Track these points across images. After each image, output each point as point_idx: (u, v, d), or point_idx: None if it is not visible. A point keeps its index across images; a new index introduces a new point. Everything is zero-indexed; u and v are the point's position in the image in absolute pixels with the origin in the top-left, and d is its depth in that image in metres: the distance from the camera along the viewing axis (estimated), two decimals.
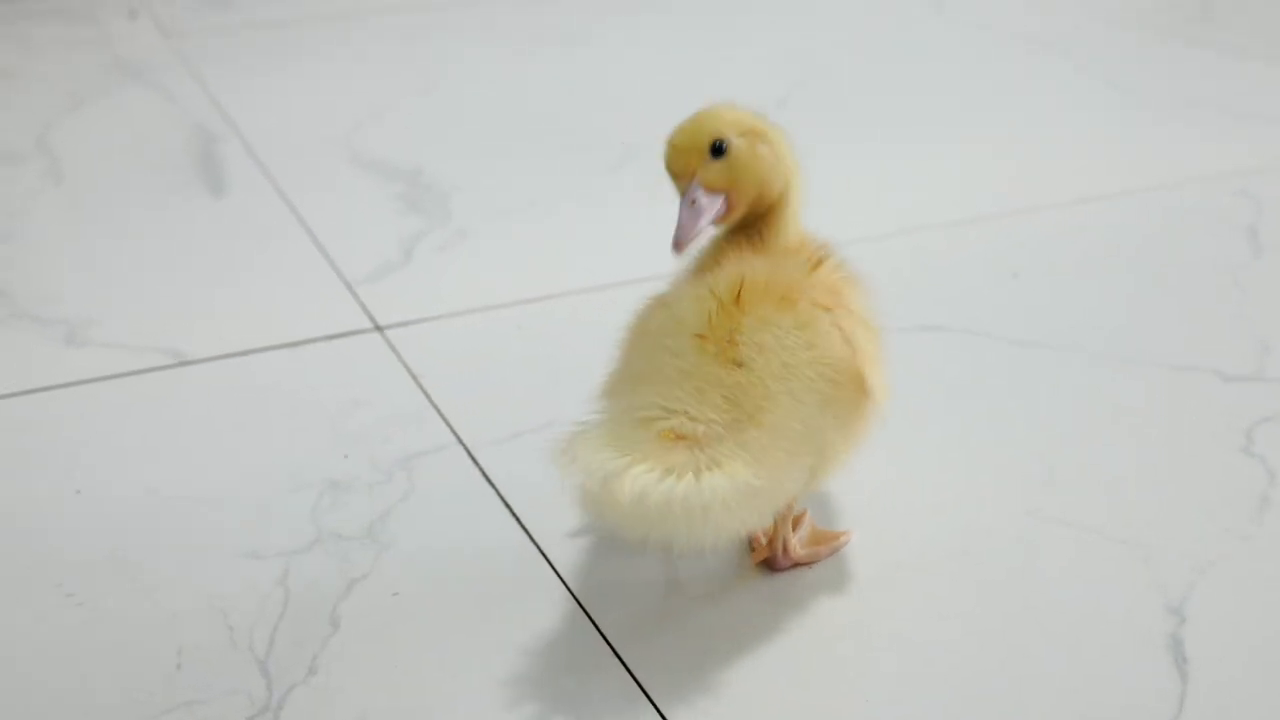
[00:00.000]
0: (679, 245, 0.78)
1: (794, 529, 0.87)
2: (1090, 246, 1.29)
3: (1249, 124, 1.56)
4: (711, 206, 0.79)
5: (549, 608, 0.84)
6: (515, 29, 1.91)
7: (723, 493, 0.71)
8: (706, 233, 0.81)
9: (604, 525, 0.79)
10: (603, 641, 0.81)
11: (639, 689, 0.77)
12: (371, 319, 1.17)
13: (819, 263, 0.81)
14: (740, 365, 0.75)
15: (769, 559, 0.86)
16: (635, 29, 1.92)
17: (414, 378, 1.08)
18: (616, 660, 0.79)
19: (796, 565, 0.86)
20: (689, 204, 0.79)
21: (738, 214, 0.80)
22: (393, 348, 1.12)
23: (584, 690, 0.77)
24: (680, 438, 0.73)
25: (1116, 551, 0.88)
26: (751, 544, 0.88)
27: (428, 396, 1.05)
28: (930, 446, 0.99)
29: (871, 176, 1.44)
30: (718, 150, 0.79)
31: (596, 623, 0.82)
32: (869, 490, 0.93)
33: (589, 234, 1.32)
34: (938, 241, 1.30)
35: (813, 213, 0.84)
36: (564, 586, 0.85)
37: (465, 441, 0.99)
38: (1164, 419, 1.02)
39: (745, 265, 0.79)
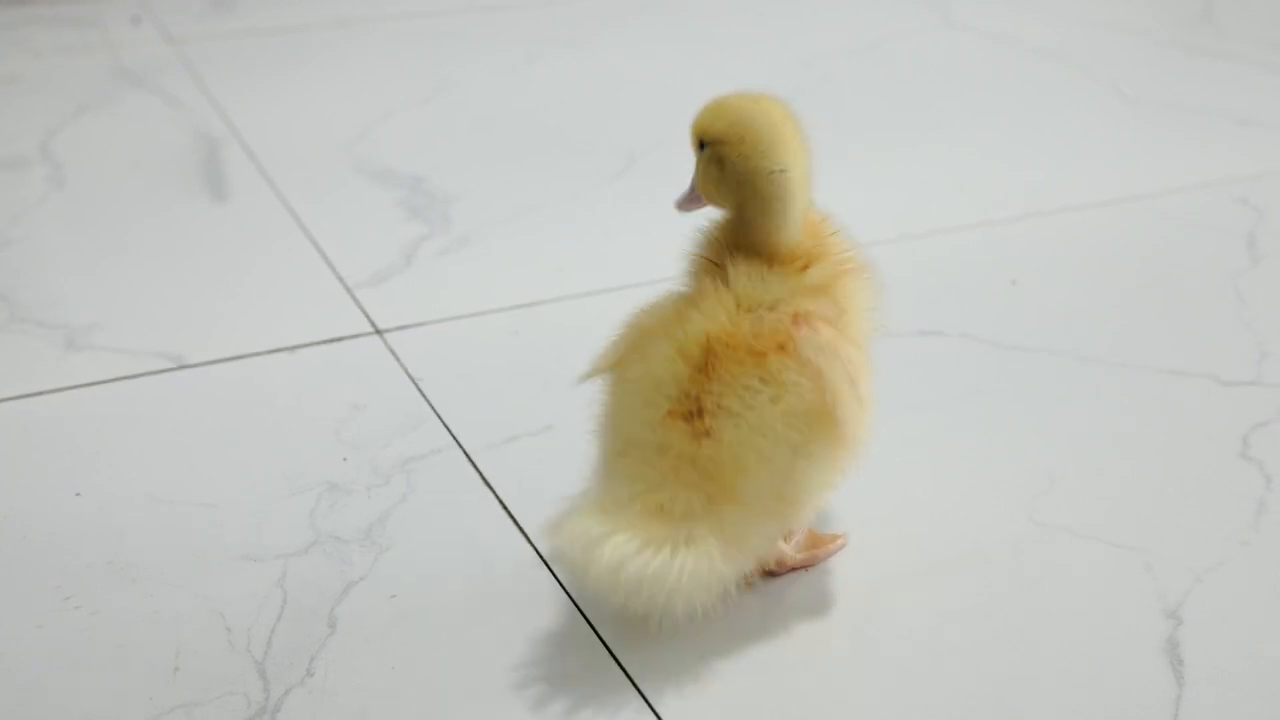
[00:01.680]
0: (678, 206, 0.82)
1: (789, 535, 0.87)
2: (1089, 252, 1.29)
3: (1249, 131, 1.56)
4: (693, 186, 0.82)
5: (546, 610, 0.84)
6: (517, 36, 1.92)
7: (693, 573, 0.74)
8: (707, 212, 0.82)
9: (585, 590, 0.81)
10: (600, 644, 0.81)
11: (636, 691, 0.78)
12: (371, 323, 1.17)
13: (808, 265, 0.80)
14: (709, 435, 0.76)
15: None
16: (637, 36, 1.93)
17: (413, 381, 1.08)
18: (613, 662, 0.80)
19: (793, 570, 0.86)
20: (689, 188, 0.82)
21: (710, 199, 0.82)
22: (392, 352, 1.12)
23: (581, 692, 0.78)
24: (661, 509, 0.76)
25: (1114, 555, 0.88)
26: None
27: (427, 400, 1.05)
28: (928, 451, 0.99)
29: (871, 182, 1.45)
30: (701, 148, 0.80)
31: (594, 625, 0.82)
32: (866, 495, 0.94)
33: (589, 240, 1.33)
34: (937, 247, 1.30)
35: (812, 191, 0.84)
36: (561, 589, 0.85)
37: (464, 445, 1.00)
38: (1162, 424, 1.02)
39: (713, 315, 0.78)
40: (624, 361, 0.80)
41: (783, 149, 0.78)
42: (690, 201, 0.82)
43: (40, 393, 1.08)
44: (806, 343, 0.77)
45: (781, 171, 0.78)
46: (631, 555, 0.73)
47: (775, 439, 0.76)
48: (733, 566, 0.77)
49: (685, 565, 0.74)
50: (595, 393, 0.82)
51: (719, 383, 0.76)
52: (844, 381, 0.77)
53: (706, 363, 0.77)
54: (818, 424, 0.77)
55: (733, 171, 0.78)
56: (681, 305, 0.80)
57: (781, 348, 0.77)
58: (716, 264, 0.80)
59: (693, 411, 0.76)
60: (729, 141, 0.78)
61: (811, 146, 0.81)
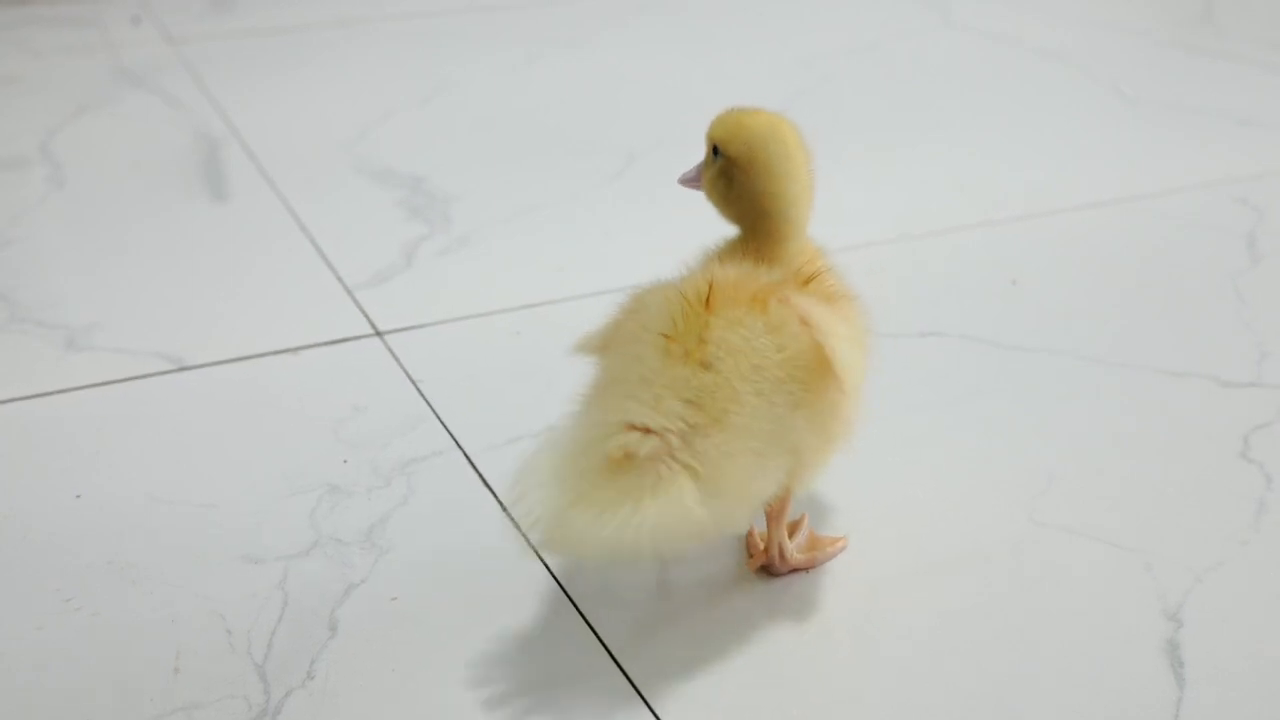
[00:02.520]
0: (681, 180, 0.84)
1: (792, 535, 0.87)
2: (1089, 253, 1.29)
3: (1249, 131, 1.56)
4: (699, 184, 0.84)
5: (547, 613, 0.84)
6: (517, 36, 1.92)
7: (660, 521, 0.71)
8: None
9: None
10: (600, 647, 0.81)
11: (637, 694, 0.78)
12: (371, 324, 1.17)
13: (809, 280, 0.81)
14: (708, 367, 0.75)
15: (765, 564, 0.86)
16: (637, 36, 1.93)
17: (413, 383, 1.08)
18: (614, 665, 0.80)
19: (794, 571, 0.86)
20: (695, 168, 0.84)
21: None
22: (392, 353, 1.12)
23: (581, 695, 0.78)
24: (629, 455, 0.73)
25: (1114, 556, 0.88)
26: (749, 549, 0.88)
27: (427, 402, 1.05)
28: (928, 452, 0.99)
29: (871, 182, 1.45)
30: (715, 153, 0.82)
31: (594, 628, 0.82)
32: (866, 496, 0.94)
33: (589, 240, 1.33)
34: (937, 247, 1.30)
35: (813, 216, 0.85)
36: (562, 591, 0.85)
37: (464, 447, 1.00)
38: (1162, 425, 1.02)
39: (716, 269, 0.79)
40: (617, 336, 0.80)
41: (791, 177, 0.80)
42: (693, 181, 0.84)
43: (40, 394, 1.08)
44: (803, 301, 0.78)
45: (786, 196, 0.80)
46: (589, 525, 0.71)
47: (776, 384, 0.75)
48: (711, 509, 0.73)
49: (650, 516, 0.71)
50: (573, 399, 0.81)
51: (722, 319, 0.76)
52: (840, 333, 0.77)
53: (709, 301, 0.76)
54: (818, 379, 0.76)
55: (740, 191, 0.81)
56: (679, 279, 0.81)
57: (783, 301, 0.77)
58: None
59: (692, 342, 0.75)
60: (740, 164, 0.80)
61: (814, 169, 0.82)
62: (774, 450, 0.76)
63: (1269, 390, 1.05)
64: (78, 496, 0.95)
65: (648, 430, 0.73)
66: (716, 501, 0.74)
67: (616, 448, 0.73)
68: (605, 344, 0.80)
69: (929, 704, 0.77)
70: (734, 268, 0.79)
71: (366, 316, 1.18)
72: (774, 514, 0.83)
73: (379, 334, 1.16)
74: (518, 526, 0.75)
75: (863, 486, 0.94)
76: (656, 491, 0.72)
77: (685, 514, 0.72)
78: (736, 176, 0.80)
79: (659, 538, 0.71)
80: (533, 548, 0.89)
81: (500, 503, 0.94)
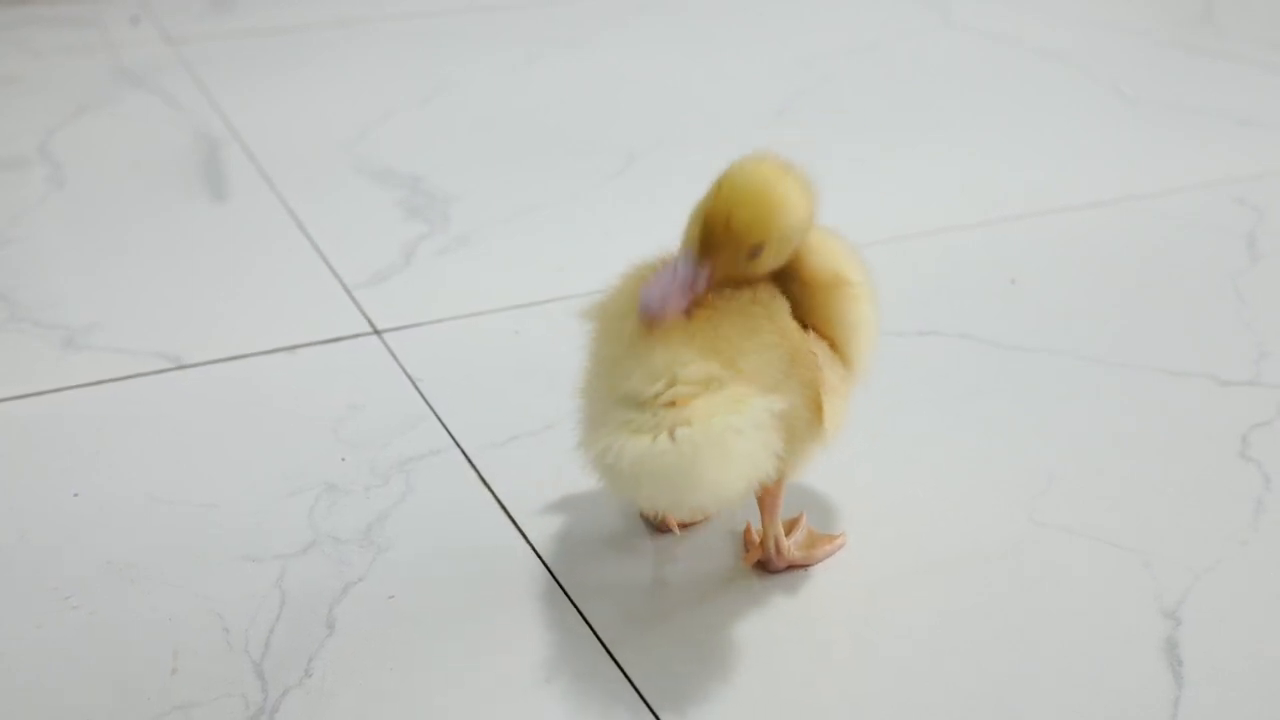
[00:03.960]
0: (652, 314, 0.74)
1: (790, 532, 0.87)
2: (1088, 252, 1.29)
3: (1249, 131, 1.56)
4: (698, 286, 0.76)
5: (545, 610, 0.84)
6: (517, 36, 1.92)
7: (703, 441, 0.70)
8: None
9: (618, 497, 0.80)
10: (598, 644, 0.81)
11: (635, 692, 0.78)
12: (370, 323, 1.17)
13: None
14: (710, 309, 0.75)
15: (762, 560, 0.86)
16: (637, 36, 1.93)
17: (412, 381, 1.08)
18: (612, 663, 0.80)
19: (792, 568, 0.86)
20: (684, 281, 0.75)
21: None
22: (391, 352, 1.12)
23: (579, 692, 0.77)
24: (670, 404, 0.72)
25: (1113, 555, 0.88)
26: (746, 544, 0.88)
27: (425, 400, 1.05)
28: (927, 451, 0.99)
29: (872, 182, 1.45)
30: (754, 254, 0.76)
31: (593, 626, 0.82)
32: (865, 495, 0.94)
33: (589, 239, 1.33)
34: (937, 246, 1.30)
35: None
36: (560, 589, 0.85)
37: (462, 445, 1.00)
38: (1161, 424, 1.02)
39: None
40: (606, 303, 0.81)
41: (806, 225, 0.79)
42: (682, 295, 0.75)
43: (39, 393, 1.08)
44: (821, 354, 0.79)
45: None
46: (635, 446, 0.70)
47: (770, 343, 0.76)
48: (746, 440, 0.71)
49: (689, 436, 0.70)
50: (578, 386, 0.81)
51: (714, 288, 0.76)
52: (841, 391, 0.79)
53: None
54: (804, 360, 0.77)
55: (772, 257, 0.78)
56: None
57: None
58: None
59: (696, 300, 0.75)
60: (788, 230, 0.77)
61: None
62: (784, 381, 0.75)
63: (1268, 390, 1.05)
64: (76, 495, 0.95)
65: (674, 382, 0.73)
66: (738, 419, 0.72)
67: (650, 397, 0.72)
68: (610, 312, 0.80)
69: (928, 702, 0.77)
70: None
71: (365, 315, 1.18)
72: (767, 506, 0.83)
73: (378, 333, 1.16)
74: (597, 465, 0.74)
75: (861, 485, 0.94)
76: (690, 423, 0.71)
77: (727, 430, 0.71)
78: (778, 254, 0.77)
79: (702, 461, 0.70)
80: (532, 546, 0.89)
81: (498, 500, 0.94)
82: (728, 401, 0.72)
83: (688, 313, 0.76)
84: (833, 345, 0.80)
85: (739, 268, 0.77)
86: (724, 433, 0.71)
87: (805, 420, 0.77)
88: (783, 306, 0.78)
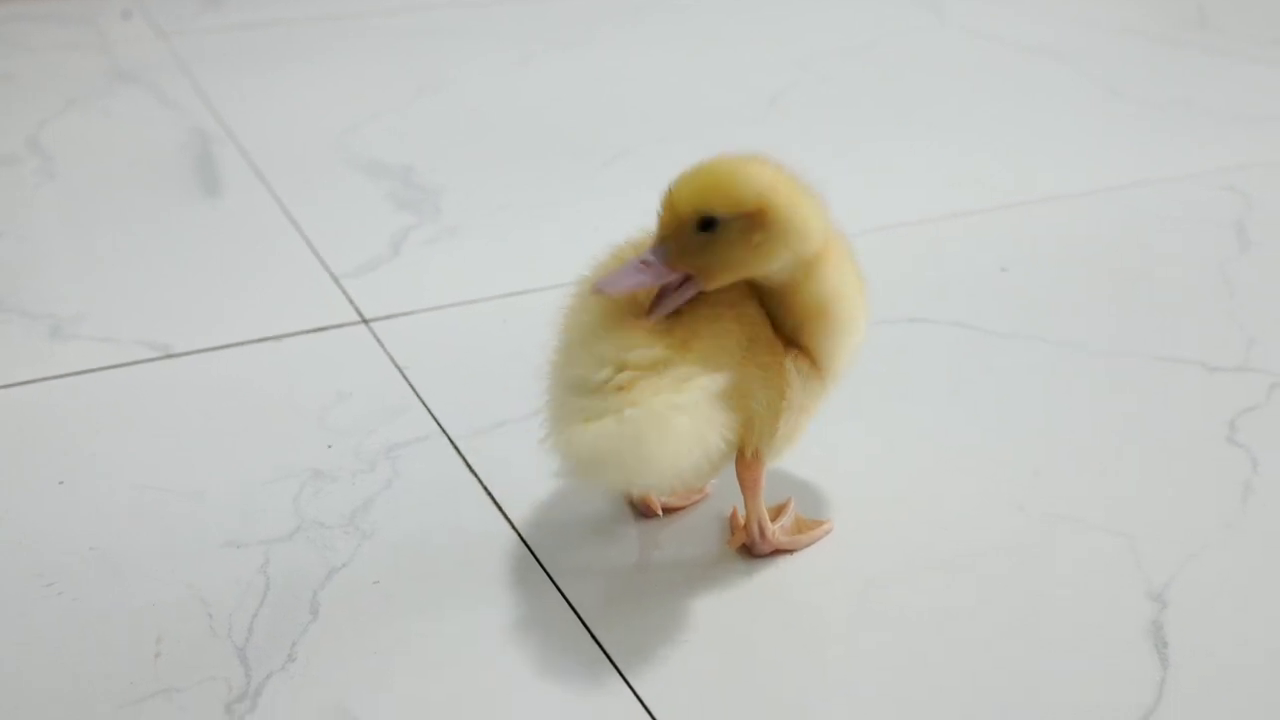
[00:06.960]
0: (599, 290, 0.75)
1: (776, 517, 0.87)
2: (1078, 241, 1.29)
3: (1237, 123, 1.56)
4: (657, 279, 0.75)
5: (530, 597, 0.83)
6: (509, 31, 1.92)
7: (646, 420, 0.71)
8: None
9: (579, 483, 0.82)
10: (582, 627, 0.81)
11: (618, 674, 0.77)
12: (358, 311, 1.17)
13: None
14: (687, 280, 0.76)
15: (747, 544, 0.85)
16: (629, 32, 1.93)
17: (399, 369, 1.08)
18: (596, 646, 0.79)
19: (777, 552, 0.86)
20: (639, 264, 0.75)
21: (717, 285, 0.77)
22: (378, 340, 1.12)
23: (565, 678, 0.77)
24: (619, 388, 0.73)
25: (1101, 539, 0.87)
26: (731, 527, 0.87)
27: (412, 387, 1.05)
28: (915, 437, 0.99)
29: (862, 172, 1.44)
30: (705, 225, 0.75)
31: (578, 611, 0.82)
32: (852, 482, 0.93)
33: (576, 230, 1.33)
34: (928, 235, 1.30)
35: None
36: (546, 575, 0.85)
37: (448, 432, 0.99)
38: (1150, 410, 1.01)
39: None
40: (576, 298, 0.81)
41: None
42: (631, 279, 0.76)
43: (25, 382, 1.07)
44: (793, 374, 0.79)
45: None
46: (583, 434, 0.71)
47: (729, 330, 0.76)
48: (693, 417, 0.72)
49: (636, 416, 0.71)
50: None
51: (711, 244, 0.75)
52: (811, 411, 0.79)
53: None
54: (771, 348, 0.77)
55: (764, 243, 0.76)
56: None
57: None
58: None
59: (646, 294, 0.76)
60: (759, 211, 0.75)
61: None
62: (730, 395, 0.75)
63: (1256, 375, 1.05)
64: (61, 483, 0.95)
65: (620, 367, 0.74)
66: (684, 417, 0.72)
67: (596, 383, 0.73)
68: (572, 305, 0.81)
69: (909, 679, 0.76)
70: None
71: (353, 304, 1.18)
72: (749, 488, 0.83)
73: (365, 321, 1.15)
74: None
75: (848, 473, 0.94)
76: (637, 404, 0.72)
77: (669, 408, 0.71)
78: (749, 238, 0.75)
79: (649, 439, 0.71)
80: (518, 532, 0.88)
81: (484, 487, 0.93)
82: (672, 381, 0.73)
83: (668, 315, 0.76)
84: (813, 361, 0.80)
85: (682, 253, 0.75)
86: (665, 410, 0.71)
87: (765, 403, 0.77)
88: (751, 303, 0.78)
